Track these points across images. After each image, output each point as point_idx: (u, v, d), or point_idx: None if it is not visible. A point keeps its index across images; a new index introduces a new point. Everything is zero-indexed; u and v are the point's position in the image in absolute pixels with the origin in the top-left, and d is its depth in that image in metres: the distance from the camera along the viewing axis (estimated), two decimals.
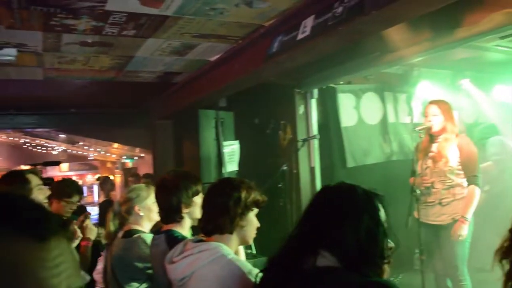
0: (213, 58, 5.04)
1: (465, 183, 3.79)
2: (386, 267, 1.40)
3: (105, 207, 5.61)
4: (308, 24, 3.24)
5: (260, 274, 1.55)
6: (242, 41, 4.22)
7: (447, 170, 3.80)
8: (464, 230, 3.65)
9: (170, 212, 2.37)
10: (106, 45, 4.52)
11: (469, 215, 3.68)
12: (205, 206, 2.04)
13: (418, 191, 3.87)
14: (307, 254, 1.36)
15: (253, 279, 1.74)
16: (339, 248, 1.34)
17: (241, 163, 5.38)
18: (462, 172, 3.80)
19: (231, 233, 1.92)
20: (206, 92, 5.53)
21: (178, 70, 5.70)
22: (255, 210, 2.00)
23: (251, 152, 5.57)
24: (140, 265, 2.59)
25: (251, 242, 2.03)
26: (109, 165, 19.10)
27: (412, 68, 5.35)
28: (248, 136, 5.74)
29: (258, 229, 2.03)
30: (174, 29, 4.04)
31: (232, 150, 5.34)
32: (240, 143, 5.42)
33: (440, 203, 3.82)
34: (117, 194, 7.87)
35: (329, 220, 1.40)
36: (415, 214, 3.91)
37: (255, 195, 1.98)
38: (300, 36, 3.31)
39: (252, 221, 1.99)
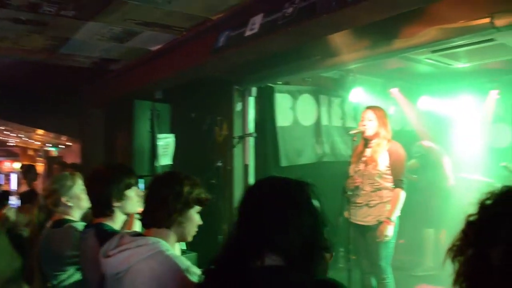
0: (155, 47, 4.89)
1: (390, 187, 3.98)
2: (327, 255, 1.41)
3: (27, 197, 5.29)
4: (257, 21, 3.25)
5: (203, 275, 1.51)
6: (187, 33, 4.14)
7: (376, 173, 3.97)
8: (389, 231, 3.84)
9: (100, 205, 2.29)
10: (41, 24, 4.22)
11: (394, 217, 3.88)
12: (147, 198, 1.98)
13: (348, 192, 4.01)
14: (252, 255, 1.35)
15: (191, 277, 1.70)
16: (284, 248, 1.32)
17: (175, 157, 5.28)
18: (389, 176, 3.98)
19: (168, 227, 1.87)
20: (144, 83, 5.37)
21: (116, 57, 5.47)
22: (197, 208, 1.96)
23: (186, 146, 5.49)
24: (72, 254, 2.46)
25: (189, 239, 1.97)
26: (30, 152, 18.05)
27: (347, 73, 5.54)
28: (184, 130, 5.65)
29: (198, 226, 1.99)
30: (118, 14, 3.86)
31: (166, 143, 5.23)
32: (176, 137, 5.32)
33: (367, 205, 3.98)
34: (39, 184, 7.43)
35: (271, 220, 1.36)
36: (346, 214, 4.06)
37: (199, 193, 1.94)
38: (248, 33, 3.30)
39: (192, 219, 1.94)
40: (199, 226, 2.00)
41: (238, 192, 5.24)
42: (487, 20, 3.10)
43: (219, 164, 5.23)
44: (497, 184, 5.23)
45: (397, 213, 3.91)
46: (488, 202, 0.90)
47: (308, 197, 1.40)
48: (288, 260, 1.32)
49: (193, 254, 4.50)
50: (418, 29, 3.48)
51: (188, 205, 1.90)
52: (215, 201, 5.19)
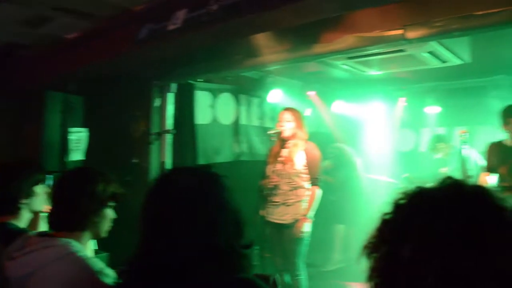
0: (71, 36, 4.58)
1: (307, 186, 4.11)
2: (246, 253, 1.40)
3: None
4: (180, 16, 3.18)
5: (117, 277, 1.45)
6: (107, 22, 3.94)
7: (293, 173, 4.08)
8: (306, 227, 3.98)
9: (6, 202, 2.17)
10: None
11: (311, 214, 4.03)
12: (55, 197, 1.85)
13: (265, 191, 4.09)
14: (163, 254, 1.31)
15: (105, 279, 1.62)
16: (199, 245, 1.30)
17: (88, 153, 5.03)
18: (306, 176, 4.12)
19: (82, 230, 1.78)
20: (57, 73, 5.03)
21: (27, 43, 5.04)
22: (112, 204, 1.88)
23: (100, 142, 5.24)
24: None
25: (103, 235, 1.90)
26: None
27: (267, 74, 5.63)
28: (99, 124, 5.40)
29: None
30: None
31: (79, 137, 4.97)
32: (89, 131, 5.07)
33: (284, 203, 4.08)
34: None
35: (181, 217, 1.33)
36: (262, 212, 4.12)
37: (113, 189, 1.86)
38: (170, 27, 3.23)
39: (107, 216, 1.87)
40: (114, 225, 1.92)
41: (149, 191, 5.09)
42: (399, 31, 3.30)
43: (135, 160, 5.08)
44: (401, 185, 5.65)
45: (313, 210, 4.06)
46: (402, 201, 0.94)
47: (221, 192, 1.39)
48: (202, 258, 1.29)
49: (105, 255, 4.33)
50: (336, 36, 3.62)
51: (103, 204, 1.82)
52: (130, 199, 5.02)
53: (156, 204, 1.40)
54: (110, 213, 1.88)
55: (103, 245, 4.42)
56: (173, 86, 5.21)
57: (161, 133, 5.16)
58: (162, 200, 1.39)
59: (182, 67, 4.71)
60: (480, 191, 0.90)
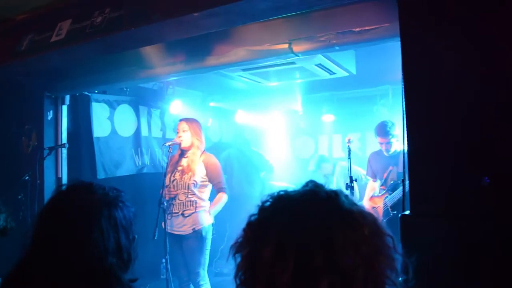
0: None
1: (205, 197, 4.17)
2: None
3: None
4: (64, 27, 3.08)
5: None
6: None
7: (191, 183, 4.10)
8: (204, 220, 4.06)
9: None
10: None
11: (213, 211, 4.13)
12: None
13: (165, 203, 4.06)
14: (46, 270, 1.29)
15: None
16: (78, 263, 1.29)
17: None
18: (205, 187, 4.16)
19: None
20: None
21: None
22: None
23: None
24: None
25: None
26: None
27: (167, 85, 5.60)
28: None
29: None
30: None
31: None
32: None
33: (183, 214, 4.09)
34: None
35: (64, 234, 1.32)
36: (162, 224, 4.08)
37: (4, 223, 1.76)
38: (54, 38, 3.11)
39: None
40: (5, 248, 1.81)
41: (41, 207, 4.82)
42: (286, 45, 3.47)
43: (27, 178, 4.78)
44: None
45: (216, 209, 4.14)
46: (267, 204, 1.01)
47: (117, 214, 1.38)
48: (82, 272, 1.29)
49: None
50: (228, 49, 3.72)
51: None
52: (22, 219, 4.72)
53: (46, 222, 1.38)
54: None
55: None
56: (67, 98, 4.99)
57: (55, 148, 4.91)
58: (52, 218, 1.37)
59: (74, 78, 4.54)
60: (333, 195, 0.99)
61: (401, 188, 4.33)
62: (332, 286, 0.87)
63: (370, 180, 4.91)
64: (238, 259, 0.99)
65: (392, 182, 4.53)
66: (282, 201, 1.00)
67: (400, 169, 4.47)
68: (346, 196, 1.01)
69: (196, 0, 2.49)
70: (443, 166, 1.88)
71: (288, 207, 0.98)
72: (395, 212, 4.32)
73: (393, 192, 4.46)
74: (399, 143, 4.56)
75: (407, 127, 1.98)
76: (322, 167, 6.22)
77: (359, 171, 5.59)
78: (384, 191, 4.61)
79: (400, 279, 0.97)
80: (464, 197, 1.85)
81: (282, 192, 1.02)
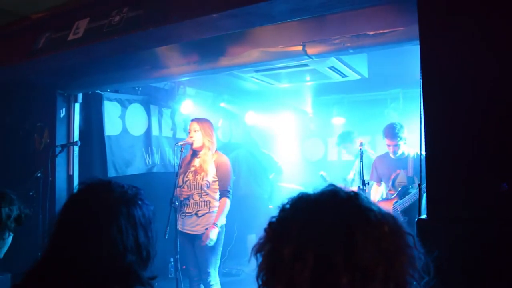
0: None
1: (218, 197, 4.16)
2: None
3: None
4: (81, 25, 3.10)
5: None
6: (2, 30, 3.74)
7: (204, 183, 4.12)
8: (213, 235, 4.01)
9: None
10: None
11: (219, 222, 4.07)
12: None
13: (177, 202, 4.08)
14: (64, 269, 1.30)
15: None
16: (97, 261, 1.30)
17: None
18: (217, 187, 4.17)
19: None
20: None
21: None
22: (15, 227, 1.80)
23: None
24: None
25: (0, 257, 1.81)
26: None
27: (178, 85, 5.62)
28: None
29: None
30: None
31: None
32: None
33: (196, 214, 4.10)
34: None
35: (84, 232, 1.33)
36: (179, 225, 4.11)
37: (17, 212, 1.78)
38: (71, 37, 3.14)
39: (7, 242, 1.78)
40: (15, 244, 1.83)
41: (60, 205, 4.84)
42: (299, 47, 3.49)
43: (39, 174, 4.81)
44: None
45: (222, 220, 4.10)
46: (287, 206, 1.02)
47: (131, 205, 1.38)
48: (100, 271, 1.29)
49: (6, 276, 4.08)
50: (242, 50, 3.74)
51: (6, 228, 1.73)
52: (34, 215, 4.76)
53: (65, 221, 1.39)
54: (10, 239, 1.79)
55: (4, 265, 4.17)
56: (79, 96, 5.03)
57: (67, 145, 4.95)
58: (70, 217, 1.38)
59: (87, 76, 4.57)
60: (353, 196, 1.00)
61: (412, 193, 4.31)
62: (352, 283, 0.88)
63: (374, 184, 4.86)
64: (260, 259, 1.00)
65: (402, 186, 4.48)
66: (302, 201, 1.02)
67: (409, 173, 4.45)
68: (365, 196, 1.02)
69: (215, 1, 2.51)
70: (462, 171, 1.88)
71: (308, 206, 1.00)
72: (406, 217, 4.27)
73: (403, 197, 4.41)
74: (406, 146, 4.55)
75: (425, 131, 1.97)
76: (346, 146, 5.78)
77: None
78: (394, 196, 4.53)
79: (423, 278, 0.97)
80: (482, 202, 1.84)
81: (302, 193, 1.04)
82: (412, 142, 5.35)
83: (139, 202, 1.42)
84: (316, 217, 0.96)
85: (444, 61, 1.99)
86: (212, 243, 4.00)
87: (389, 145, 4.56)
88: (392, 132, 4.50)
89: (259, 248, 1.01)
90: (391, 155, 4.60)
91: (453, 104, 1.92)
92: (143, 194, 1.47)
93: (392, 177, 4.60)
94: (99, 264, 1.30)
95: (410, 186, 4.43)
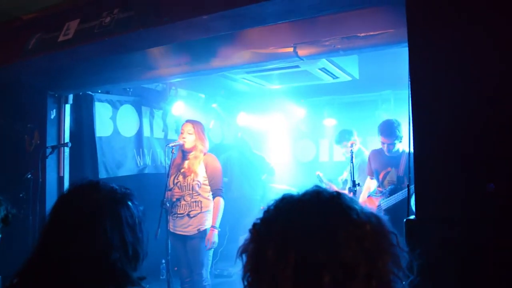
0: None
1: (210, 197, 4.17)
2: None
3: None
4: (72, 27, 3.10)
5: None
6: None
7: (195, 184, 4.13)
8: (216, 237, 4.05)
9: None
10: None
11: (218, 223, 4.10)
12: None
13: (168, 204, 4.08)
14: (53, 268, 1.31)
15: None
16: (84, 260, 1.31)
17: None
18: (208, 187, 4.17)
19: None
20: None
21: None
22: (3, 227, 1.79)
23: None
24: None
25: None
26: None
27: (170, 86, 5.62)
28: None
29: None
30: None
31: None
32: None
33: (188, 215, 4.11)
34: None
35: (73, 229, 1.35)
36: (170, 226, 4.11)
37: (4, 212, 1.77)
38: (62, 38, 3.13)
39: None
40: (5, 246, 1.82)
41: (51, 206, 4.83)
42: (291, 49, 3.50)
43: (29, 176, 4.78)
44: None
45: (219, 219, 4.13)
46: (271, 207, 1.04)
47: (119, 206, 1.40)
48: (89, 270, 1.30)
49: None
50: (234, 51, 3.74)
51: None
52: (24, 217, 4.72)
53: (52, 221, 1.41)
54: None
55: None
56: (70, 97, 5.01)
57: (58, 146, 4.92)
58: (57, 217, 1.41)
59: (78, 77, 4.55)
60: (335, 196, 1.01)
61: (399, 193, 4.29)
62: (334, 281, 0.89)
63: (368, 178, 4.82)
64: (245, 260, 1.01)
65: (390, 185, 4.43)
66: (285, 202, 1.03)
67: (401, 172, 4.36)
68: (348, 196, 1.04)
69: (206, 2, 2.51)
70: (450, 171, 1.90)
71: (291, 206, 1.01)
72: (388, 216, 4.25)
73: (390, 195, 4.36)
74: (402, 143, 4.43)
75: (413, 132, 1.99)
76: (345, 145, 5.47)
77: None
78: (381, 194, 4.49)
79: (408, 277, 0.99)
80: (470, 202, 1.86)
81: (285, 194, 1.05)
82: (403, 143, 5.39)
83: (128, 203, 1.44)
84: (299, 217, 0.97)
85: (431, 61, 2.01)
86: (215, 246, 4.03)
87: (383, 143, 4.42)
88: (389, 130, 4.35)
89: (244, 249, 1.02)
90: (385, 152, 4.48)
91: (440, 105, 1.94)
92: (133, 195, 1.48)
93: (383, 174, 4.54)
94: (85, 262, 1.31)
95: (399, 186, 4.38)
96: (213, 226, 4.07)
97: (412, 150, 2.03)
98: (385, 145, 4.42)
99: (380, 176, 4.56)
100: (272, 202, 1.04)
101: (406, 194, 4.27)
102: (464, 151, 1.88)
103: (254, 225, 1.04)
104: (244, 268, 1.00)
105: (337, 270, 0.89)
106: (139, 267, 1.44)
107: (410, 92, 2.06)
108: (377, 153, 4.69)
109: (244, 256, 1.02)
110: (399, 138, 4.36)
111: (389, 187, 4.43)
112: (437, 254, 1.84)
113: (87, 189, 1.45)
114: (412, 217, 2.02)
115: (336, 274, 0.89)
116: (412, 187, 2.09)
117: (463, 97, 1.90)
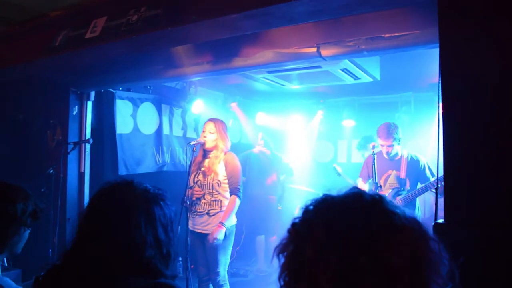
0: None
1: (229, 195, 4.17)
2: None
3: None
4: (99, 24, 3.12)
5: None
6: (20, 26, 3.76)
7: (216, 182, 4.13)
8: (221, 234, 3.99)
9: None
10: None
11: (226, 221, 4.05)
12: None
13: (188, 202, 4.09)
14: (91, 259, 1.33)
15: None
16: (122, 251, 1.34)
17: None
18: (227, 186, 4.17)
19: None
20: None
21: None
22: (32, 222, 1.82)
23: (11, 151, 4.96)
24: None
25: (19, 252, 1.83)
26: None
27: (190, 85, 5.64)
28: (9, 132, 5.11)
29: None
30: None
31: None
32: None
33: (208, 213, 4.11)
34: None
35: (109, 223, 1.38)
36: (190, 224, 4.12)
37: (33, 207, 1.79)
38: (88, 35, 3.16)
39: (24, 237, 1.80)
40: (26, 241, 1.85)
41: (71, 202, 4.90)
42: (314, 49, 3.49)
43: (51, 171, 4.85)
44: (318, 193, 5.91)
45: (230, 218, 4.10)
46: (310, 207, 1.03)
47: (151, 203, 1.43)
48: (123, 262, 1.33)
49: (17, 271, 4.11)
50: (256, 51, 3.74)
51: (21, 224, 1.75)
52: (45, 212, 4.78)
53: (88, 217, 1.44)
54: (26, 235, 1.81)
55: (14, 261, 4.19)
56: (92, 94, 5.06)
57: (79, 143, 4.98)
58: (93, 214, 1.44)
59: (100, 75, 4.59)
60: (378, 199, 1.00)
61: (402, 196, 4.33)
62: (375, 286, 0.88)
63: (360, 180, 4.83)
64: (282, 260, 1.01)
65: (392, 188, 4.45)
66: (326, 203, 1.01)
67: (402, 175, 4.42)
68: (390, 200, 1.02)
69: (235, 1, 2.51)
70: (481, 175, 1.87)
71: (332, 207, 1.00)
72: None
73: (393, 199, 4.33)
74: (400, 146, 4.52)
75: (444, 134, 1.96)
76: (367, 148, 5.49)
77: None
78: None
79: (446, 285, 0.97)
80: (501, 207, 1.83)
81: (326, 195, 1.04)
82: (422, 146, 5.34)
83: (161, 202, 1.46)
84: (341, 218, 0.96)
85: (464, 62, 1.97)
86: (219, 242, 4.01)
87: (382, 145, 4.50)
88: (387, 132, 4.44)
89: (282, 249, 1.01)
90: (384, 155, 4.55)
91: (473, 109, 1.91)
92: (165, 196, 1.50)
93: (384, 177, 4.56)
94: (121, 256, 1.34)
95: (402, 189, 4.43)
96: (221, 223, 4.02)
97: (441, 152, 2.01)
98: (384, 147, 4.50)
99: (382, 180, 4.56)
100: (310, 202, 1.03)
101: (409, 197, 4.29)
102: (497, 154, 1.84)
103: (293, 225, 1.03)
104: (281, 268, 0.99)
105: (380, 275, 0.88)
106: (171, 267, 1.45)
107: (440, 93, 2.03)
108: (377, 155, 4.64)
109: (281, 256, 1.02)
110: (397, 140, 4.45)
111: (391, 190, 4.46)
112: (465, 259, 1.81)
113: (123, 186, 1.47)
114: (441, 220, 1.99)
115: (379, 279, 0.88)
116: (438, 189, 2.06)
117: (500, 96, 1.86)
